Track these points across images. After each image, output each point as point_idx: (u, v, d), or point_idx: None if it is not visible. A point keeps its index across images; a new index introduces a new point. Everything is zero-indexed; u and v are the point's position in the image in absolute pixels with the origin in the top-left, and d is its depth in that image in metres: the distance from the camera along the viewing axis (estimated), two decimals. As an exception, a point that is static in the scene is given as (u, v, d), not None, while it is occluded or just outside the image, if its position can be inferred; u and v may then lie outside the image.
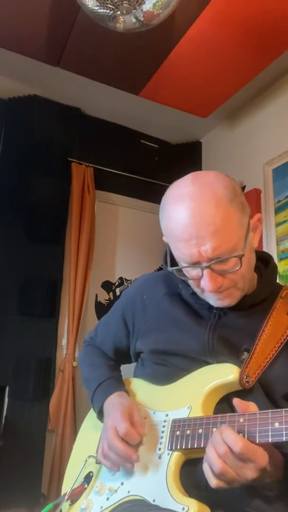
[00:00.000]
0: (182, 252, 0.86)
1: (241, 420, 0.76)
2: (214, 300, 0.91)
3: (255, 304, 0.95)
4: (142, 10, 1.76)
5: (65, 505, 1.00)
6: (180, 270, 0.91)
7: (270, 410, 0.75)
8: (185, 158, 3.37)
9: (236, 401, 0.79)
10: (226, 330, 0.92)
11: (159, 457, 0.87)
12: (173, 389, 0.95)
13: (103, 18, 1.79)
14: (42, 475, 2.48)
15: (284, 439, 0.71)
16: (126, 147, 3.26)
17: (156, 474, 0.86)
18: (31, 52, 2.35)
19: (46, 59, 2.40)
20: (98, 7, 1.75)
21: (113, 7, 1.73)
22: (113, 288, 3.07)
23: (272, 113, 2.79)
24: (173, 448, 0.86)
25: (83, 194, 2.93)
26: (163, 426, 0.91)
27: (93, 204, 2.96)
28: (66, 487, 1.04)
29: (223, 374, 0.87)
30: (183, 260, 0.87)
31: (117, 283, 3.09)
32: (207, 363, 0.92)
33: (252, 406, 0.78)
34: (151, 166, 3.32)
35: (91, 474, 1.01)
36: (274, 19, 2.02)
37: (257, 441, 0.73)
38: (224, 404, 0.88)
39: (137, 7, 1.75)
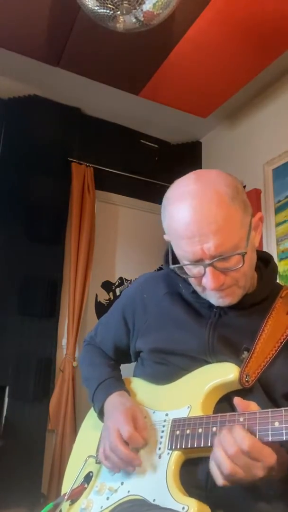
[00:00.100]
0: (185, 250, 0.85)
1: (241, 419, 0.76)
2: (215, 299, 0.90)
3: (255, 304, 0.95)
4: (142, 10, 1.76)
5: (65, 505, 1.00)
6: (181, 268, 0.91)
7: (270, 410, 0.75)
8: (185, 158, 3.37)
9: (236, 400, 0.79)
10: (226, 329, 0.92)
11: (159, 457, 0.87)
12: (173, 389, 0.95)
13: (103, 18, 1.79)
14: (42, 475, 2.48)
15: (284, 438, 0.71)
16: (126, 147, 3.26)
17: (156, 473, 0.86)
18: (31, 52, 2.35)
19: (46, 59, 2.40)
20: (98, 7, 1.75)
21: (113, 7, 1.74)
22: (113, 288, 3.07)
23: (272, 113, 2.79)
24: (173, 447, 0.86)
25: (83, 194, 2.93)
26: (163, 426, 0.91)
27: (93, 204, 2.96)
28: (66, 487, 1.04)
29: (223, 373, 0.87)
30: (186, 258, 0.87)
31: (117, 283, 3.09)
32: (207, 362, 0.92)
33: (252, 406, 0.78)
34: (151, 166, 3.32)
35: (91, 474, 1.01)
36: (274, 19, 2.02)
37: (258, 441, 0.73)
38: (224, 403, 0.88)
39: (137, 7, 1.75)
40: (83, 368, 1.19)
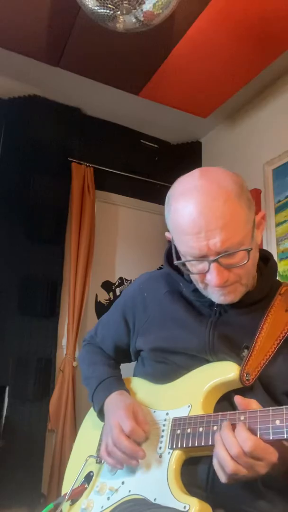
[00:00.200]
0: (190, 246, 0.85)
1: (242, 418, 0.76)
2: (217, 296, 0.90)
3: (256, 302, 0.95)
4: (142, 10, 1.76)
5: (65, 505, 0.99)
6: (184, 265, 0.90)
7: (271, 408, 0.75)
8: (185, 158, 3.36)
9: (237, 399, 0.79)
10: (227, 327, 0.92)
11: (160, 456, 0.87)
12: (173, 388, 0.95)
13: (103, 18, 1.79)
14: (42, 475, 2.48)
15: (285, 437, 0.71)
16: (126, 147, 3.26)
17: (157, 473, 0.86)
18: (31, 52, 2.35)
19: (46, 59, 2.39)
20: (98, 7, 1.75)
21: (113, 7, 1.73)
22: (113, 288, 3.07)
23: (272, 113, 2.79)
24: (174, 446, 0.85)
25: (83, 194, 2.93)
26: (164, 425, 0.91)
27: (93, 204, 2.96)
28: (67, 487, 1.04)
29: (223, 372, 0.87)
30: (190, 254, 0.87)
31: (117, 283, 3.09)
32: (208, 361, 0.92)
33: (253, 404, 0.78)
34: (151, 166, 3.32)
35: (91, 473, 1.01)
36: (274, 19, 2.02)
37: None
38: (224, 402, 0.88)
39: (137, 7, 1.74)
40: (83, 367, 1.19)
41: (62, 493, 1.02)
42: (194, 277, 0.92)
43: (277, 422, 0.72)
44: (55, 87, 2.86)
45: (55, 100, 2.98)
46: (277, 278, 1.07)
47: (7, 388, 2.50)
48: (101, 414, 1.03)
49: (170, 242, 0.95)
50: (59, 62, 2.40)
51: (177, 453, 0.85)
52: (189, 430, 0.84)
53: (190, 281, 0.98)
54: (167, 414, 0.92)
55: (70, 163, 2.94)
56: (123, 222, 3.21)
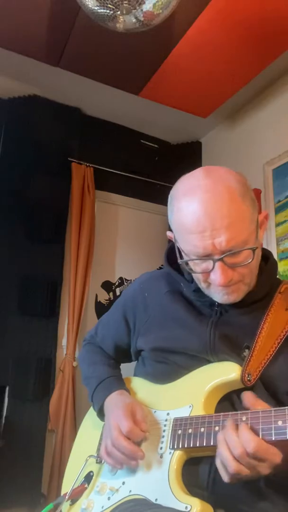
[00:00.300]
0: (195, 245, 0.84)
1: (244, 418, 0.76)
2: (220, 295, 0.90)
3: (256, 301, 0.94)
4: (142, 10, 1.75)
5: (65, 505, 0.99)
6: (187, 264, 0.90)
7: (273, 408, 0.74)
8: (185, 158, 3.36)
9: (247, 394, 0.79)
10: (228, 327, 0.92)
11: (161, 456, 0.87)
12: (174, 388, 0.95)
13: (103, 18, 1.79)
14: (42, 475, 2.48)
15: (287, 437, 0.71)
16: (126, 147, 3.26)
17: (158, 473, 0.85)
18: (31, 52, 2.35)
19: (46, 59, 2.39)
20: (98, 7, 1.74)
21: (113, 7, 1.73)
22: (113, 288, 3.07)
23: (272, 113, 2.79)
24: (175, 447, 0.85)
25: (83, 194, 2.93)
26: (164, 425, 0.90)
27: (93, 204, 2.96)
28: (67, 487, 1.04)
29: (225, 372, 0.87)
30: (194, 253, 0.86)
31: (117, 283, 3.09)
32: (208, 361, 0.92)
33: (260, 401, 0.78)
34: (151, 166, 3.32)
35: (91, 473, 1.01)
36: (274, 19, 2.02)
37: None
38: (225, 402, 0.88)
39: (137, 7, 1.74)
40: (83, 367, 1.18)
41: (62, 493, 1.02)
42: (197, 277, 0.91)
43: (280, 422, 0.72)
44: (55, 87, 2.85)
45: (55, 100, 2.98)
46: (277, 275, 1.07)
47: (7, 388, 2.50)
48: (101, 414, 1.03)
49: (172, 241, 0.94)
50: (59, 62, 2.40)
51: (178, 453, 0.85)
52: (190, 430, 0.84)
53: (191, 281, 0.97)
54: (168, 414, 0.92)
55: (70, 163, 2.94)
56: (123, 222, 3.21)
